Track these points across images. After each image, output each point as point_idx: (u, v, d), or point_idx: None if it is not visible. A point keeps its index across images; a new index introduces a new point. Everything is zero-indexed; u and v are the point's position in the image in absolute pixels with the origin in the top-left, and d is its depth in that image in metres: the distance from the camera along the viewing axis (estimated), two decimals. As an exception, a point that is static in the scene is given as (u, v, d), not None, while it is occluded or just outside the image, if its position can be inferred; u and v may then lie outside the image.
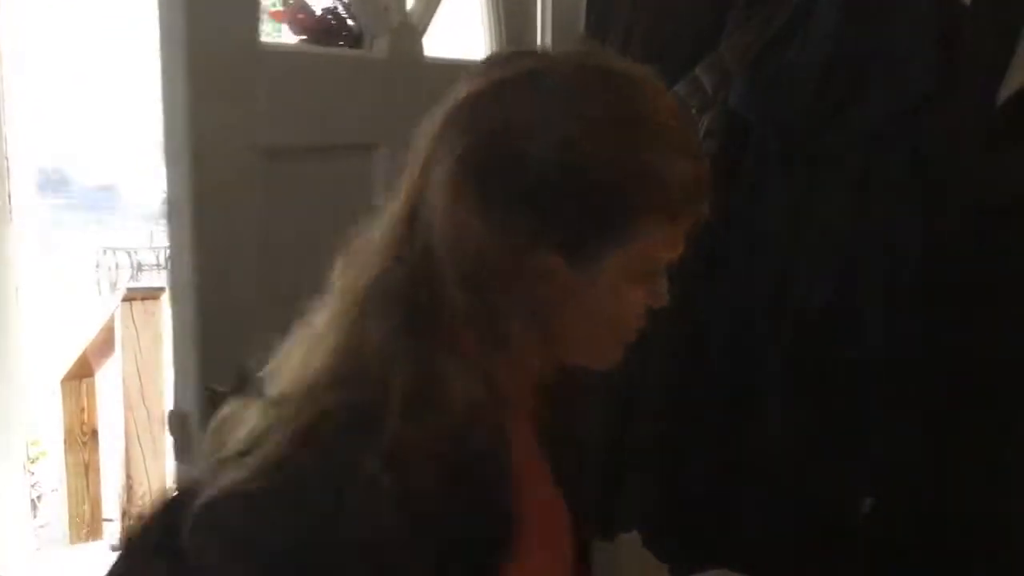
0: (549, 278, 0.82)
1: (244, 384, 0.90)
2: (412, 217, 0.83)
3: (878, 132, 1.38)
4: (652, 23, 1.93)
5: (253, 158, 1.43)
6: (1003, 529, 1.20)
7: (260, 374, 0.88)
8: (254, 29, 1.42)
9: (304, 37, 1.69)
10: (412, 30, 1.72)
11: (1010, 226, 1.27)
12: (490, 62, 0.87)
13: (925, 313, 1.33)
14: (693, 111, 1.59)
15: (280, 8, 1.77)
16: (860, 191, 1.40)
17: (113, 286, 5.90)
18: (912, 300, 1.34)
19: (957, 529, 1.27)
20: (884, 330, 1.37)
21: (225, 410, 0.88)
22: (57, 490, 3.90)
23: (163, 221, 1.77)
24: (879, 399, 1.37)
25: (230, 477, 0.78)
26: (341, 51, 1.71)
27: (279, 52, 1.54)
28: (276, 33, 1.86)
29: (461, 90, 0.83)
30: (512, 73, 0.83)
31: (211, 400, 1.26)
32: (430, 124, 0.84)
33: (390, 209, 0.86)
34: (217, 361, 1.36)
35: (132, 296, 4.03)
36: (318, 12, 1.69)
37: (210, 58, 1.36)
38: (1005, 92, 1.27)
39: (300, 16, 1.68)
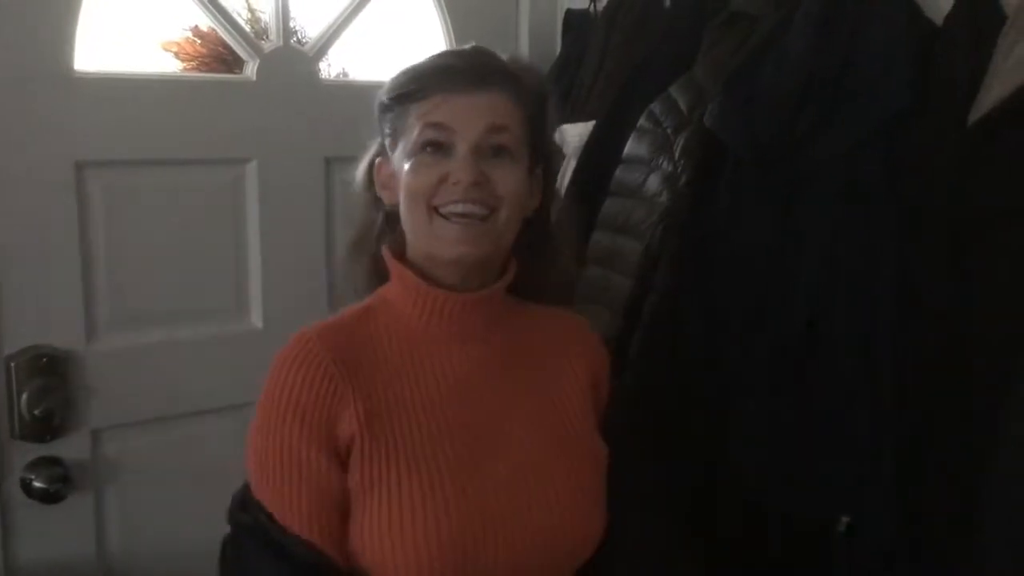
0: (380, 173, 1.23)
1: None
2: None
3: (854, 150, 1.39)
4: (628, 42, 1.94)
5: (68, 173, 1.70)
6: (981, 551, 1.19)
7: None
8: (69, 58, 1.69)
9: (193, 64, 2.05)
10: (297, 55, 1.96)
11: (984, 242, 1.27)
12: None
13: (903, 330, 1.33)
14: (668, 131, 1.60)
15: (175, 40, 2.07)
16: (836, 208, 1.40)
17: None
18: (890, 317, 1.34)
19: (933, 551, 1.27)
20: (861, 347, 1.36)
21: None
22: None
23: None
24: (857, 416, 1.37)
25: None
26: (204, 75, 2.03)
27: (94, 78, 1.75)
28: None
29: None
30: None
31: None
32: None
33: None
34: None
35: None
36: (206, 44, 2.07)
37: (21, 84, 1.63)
38: (976, 113, 1.27)
39: (187, 48, 2.06)
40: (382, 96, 1.20)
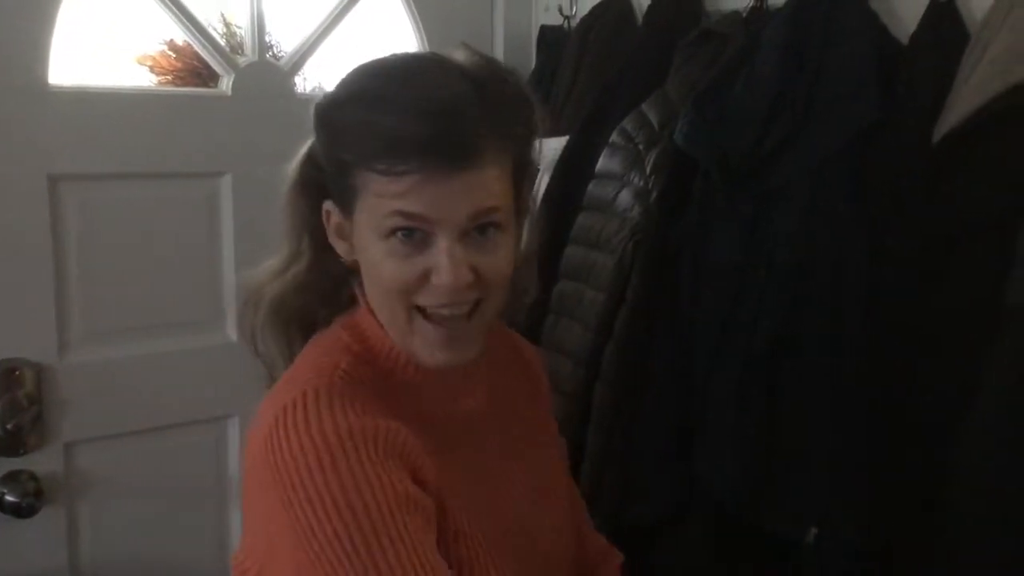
0: (330, 221, 1.02)
1: None
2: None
3: (822, 166, 1.41)
4: (600, 58, 1.97)
5: (42, 186, 1.69)
6: (946, 560, 1.21)
7: None
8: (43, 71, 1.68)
9: (168, 78, 2.03)
10: (273, 70, 1.95)
11: (951, 257, 1.29)
12: None
13: (870, 344, 1.35)
14: (640, 147, 1.61)
15: (150, 54, 2.05)
16: (806, 224, 1.42)
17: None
18: (857, 331, 1.36)
19: (901, 560, 1.28)
20: (828, 361, 1.38)
21: None
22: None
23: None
24: (825, 428, 1.38)
25: None
26: (179, 90, 2.02)
27: (69, 92, 1.74)
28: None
29: None
30: None
31: None
32: None
33: None
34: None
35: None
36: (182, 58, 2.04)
37: None
38: (941, 130, 1.30)
39: (162, 62, 2.04)
40: (340, 151, 0.97)
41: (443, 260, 0.92)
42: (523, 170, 1.02)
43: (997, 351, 1.18)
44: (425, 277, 0.94)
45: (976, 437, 1.18)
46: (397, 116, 0.91)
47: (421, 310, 0.97)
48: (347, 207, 0.98)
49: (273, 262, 1.08)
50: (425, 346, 0.98)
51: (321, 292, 1.08)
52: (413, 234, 0.93)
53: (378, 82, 0.97)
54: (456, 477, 1.00)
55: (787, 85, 1.43)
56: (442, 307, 0.96)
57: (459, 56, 0.98)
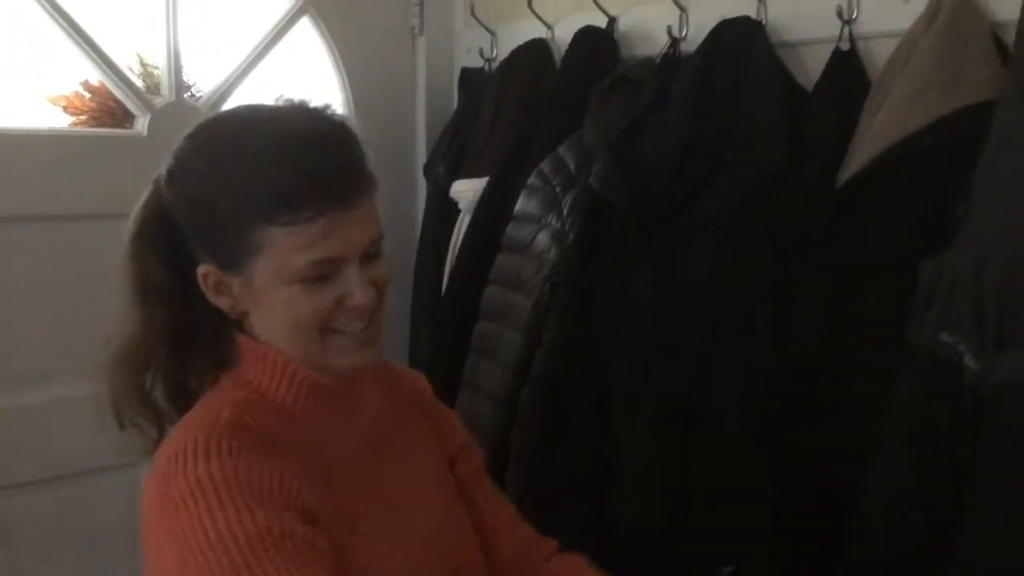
0: (208, 281, 1.02)
1: None
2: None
3: (731, 211, 1.44)
4: (520, 101, 1.99)
5: None
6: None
7: None
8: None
9: (83, 118, 2.00)
10: (190, 110, 1.94)
11: (854, 299, 1.33)
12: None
13: (782, 384, 1.38)
14: (557, 189, 1.64)
15: (64, 95, 2.01)
16: (718, 266, 1.44)
17: None
18: (769, 372, 1.39)
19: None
20: (741, 400, 1.41)
21: None
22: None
23: None
24: (738, 466, 1.41)
25: None
26: (93, 131, 2.00)
27: None
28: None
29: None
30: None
31: None
32: None
33: None
34: None
35: None
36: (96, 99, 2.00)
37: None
38: (844, 175, 1.34)
39: (76, 103, 2.00)
40: (219, 211, 0.97)
41: (355, 287, 0.98)
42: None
43: (896, 390, 1.21)
44: (339, 303, 0.99)
45: (877, 477, 1.22)
46: (286, 167, 0.94)
47: (335, 330, 1.01)
48: (236, 265, 0.99)
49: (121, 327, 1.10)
50: (341, 356, 1.02)
51: (180, 346, 1.08)
52: (325, 274, 0.98)
53: (248, 134, 0.99)
54: (358, 500, 1.04)
55: (697, 131, 1.46)
56: (357, 323, 1.01)
57: (281, 102, 1.02)
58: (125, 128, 1.91)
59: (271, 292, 0.98)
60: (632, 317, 1.53)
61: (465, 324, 1.79)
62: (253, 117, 1.02)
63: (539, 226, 1.66)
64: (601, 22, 1.85)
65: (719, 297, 1.44)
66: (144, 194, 1.06)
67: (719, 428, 1.42)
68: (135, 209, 1.07)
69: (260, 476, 0.94)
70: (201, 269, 1.01)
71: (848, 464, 1.27)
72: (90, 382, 1.55)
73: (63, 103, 1.95)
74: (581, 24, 1.87)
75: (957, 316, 1.16)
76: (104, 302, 1.86)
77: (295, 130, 0.97)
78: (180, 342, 1.08)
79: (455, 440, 1.25)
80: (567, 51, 1.88)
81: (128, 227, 1.06)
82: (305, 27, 2.12)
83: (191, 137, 1.02)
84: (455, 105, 2.28)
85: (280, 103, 1.02)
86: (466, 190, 1.95)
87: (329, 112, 1.02)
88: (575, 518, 1.52)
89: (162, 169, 1.03)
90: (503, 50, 2.12)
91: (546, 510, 1.55)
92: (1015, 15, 1.20)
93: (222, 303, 1.03)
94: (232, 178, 0.96)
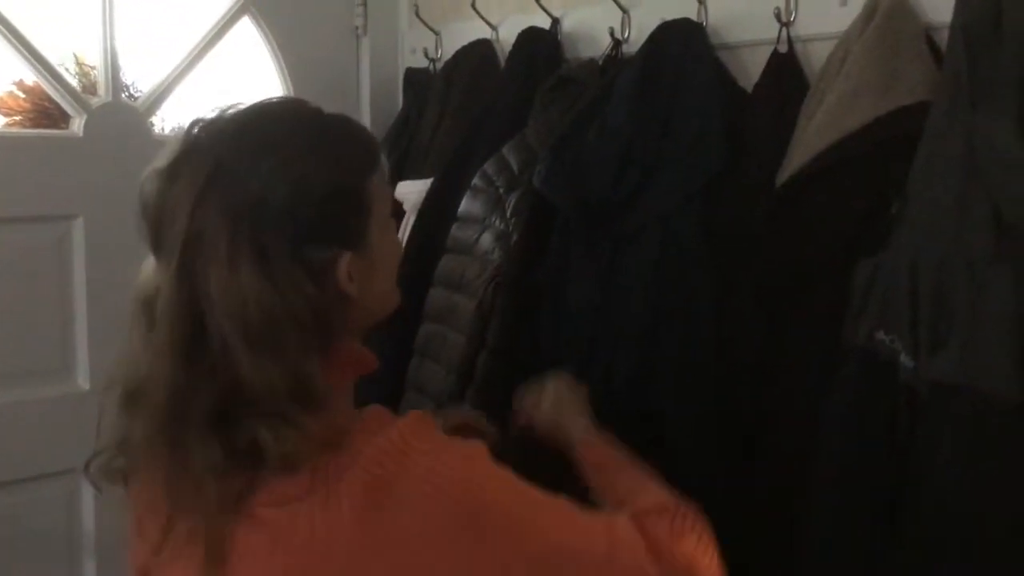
0: (342, 269, 0.93)
1: None
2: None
3: (672, 211, 1.44)
4: (465, 101, 1.98)
5: None
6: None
7: None
8: None
9: (16, 119, 2.00)
10: (128, 110, 1.91)
11: (793, 298, 1.34)
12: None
13: (723, 384, 1.38)
14: (500, 190, 1.63)
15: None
16: (659, 266, 1.45)
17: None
18: (706, 373, 1.39)
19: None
20: (683, 401, 1.41)
21: None
22: None
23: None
24: (681, 464, 1.41)
25: None
26: (27, 131, 1.97)
27: None
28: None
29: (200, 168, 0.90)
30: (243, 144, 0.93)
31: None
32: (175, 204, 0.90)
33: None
34: None
35: None
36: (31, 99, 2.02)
37: None
38: (782, 176, 1.35)
39: (10, 103, 2.02)
40: (337, 183, 0.94)
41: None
42: None
43: (833, 388, 1.22)
44: None
45: (817, 474, 1.23)
46: (351, 124, 1.02)
47: None
48: (360, 236, 0.97)
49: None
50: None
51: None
52: None
53: (297, 118, 1.00)
54: None
55: (638, 133, 1.46)
56: None
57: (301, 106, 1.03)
58: (61, 128, 1.88)
59: (381, 247, 0.99)
60: (575, 318, 1.53)
61: (410, 325, 1.78)
62: (280, 109, 1.01)
63: (483, 227, 1.65)
64: (545, 23, 1.85)
65: (660, 298, 1.44)
66: (224, 235, 0.88)
67: (661, 430, 1.42)
68: (223, 250, 0.88)
69: None
70: (341, 264, 0.94)
71: (791, 462, 1.28)
72: (26, 386, 1.44)
73: (-4, 103, 1.92)
74: (525, 25, 1.87)
75: (892, 315, 1.17)
76: (40, 305, 1.84)
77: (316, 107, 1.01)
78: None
79: None
80: (511, 52, 1.88)
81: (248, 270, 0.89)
82: (246, 27, 2.09)
83: (247, 136, 0.94)
84: (400, 106, 2.27)
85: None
86: (411, 191, 1.94)
87: None
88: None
89: (233, 199, 0.89)
90: (448, 50, 2.12)
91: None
92: (948, 17, 1.22)
93: (351, 289, 0.95)
94: (330, 154, 0.95)
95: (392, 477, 0.88)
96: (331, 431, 0.89)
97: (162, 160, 0.93)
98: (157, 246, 0.92)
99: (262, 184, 0.89)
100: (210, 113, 0.95)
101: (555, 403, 1.31)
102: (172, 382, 0.88)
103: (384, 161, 1.02)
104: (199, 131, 0.94)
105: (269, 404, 0.87)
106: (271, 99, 1.01)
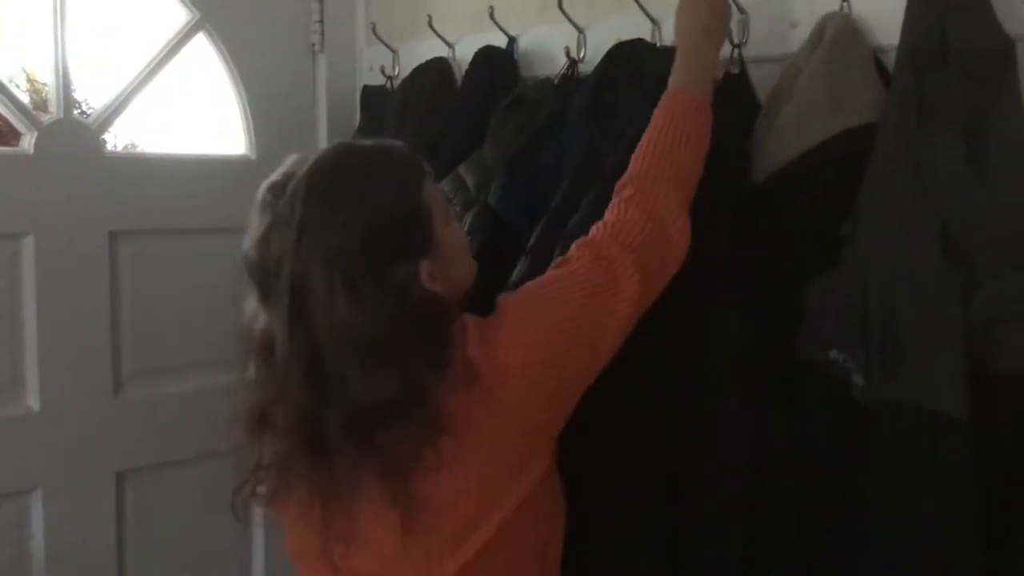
0: (423, 275, 1.11)
1: None
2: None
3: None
4: (422, 119, 1.98)
5: None
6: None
7: None
8: None
9: None
10: (80, 127, 1.89)
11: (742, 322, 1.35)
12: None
13: (681, 398, 1.39)
14: (457, 208, 1.63)
15: None
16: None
17: None
18: (670, 384, 1.40)
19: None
20: (642, 412, 1.41)
21: None
22: None
23: None
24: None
25: None
26: None
27: None
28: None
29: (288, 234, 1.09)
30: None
31: None
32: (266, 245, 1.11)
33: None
34: None
35: None
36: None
37: None
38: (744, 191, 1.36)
39: None
40: (398, 209, 1.13)
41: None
42: None
43: (787, 408, 1.24)
44: None
45: (768, 489, 1.24)
46: (394, 146, 1.21)
47: None
48: (429, 240, 1.13)
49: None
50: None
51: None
52: None
53: (354, 152, 1.19)
54: None
55: (592, 152, 1.47)
56: None
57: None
58: (11, 146, 1.85)
59: (447, 239, 1.16)
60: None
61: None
62: (335, 164, 1.15)
63: (439, 245, 1.65)
64: (501, 42, 1.86)
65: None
66: (320, 280, 1.07)
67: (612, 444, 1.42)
68: (322, 292, 1.08)
69: None
70: (421, 272, 1.11)
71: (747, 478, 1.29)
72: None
73: (-57, 120, 1.88)
74: (482, 43, 1.87)
75: (843, 333, 1.19)
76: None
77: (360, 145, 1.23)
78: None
79: None
80: (468, 70, 1.88)
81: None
82: (201, 43, 2.08)
83: (317, 196, 1.10)
84: (357, 123, 2.26)
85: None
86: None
87: None
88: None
89: (320, 252, 1.08)
90: (405, 68, 2.12)
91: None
92: (896, 40, 1.24)
93: (435, 287, 1.13)
94: (386, 187, 1.13)
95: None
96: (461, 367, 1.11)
97: (255, 230, 1.12)
98: (264, 296, 1.11)
99: (339, 234, 1.07)
100: (277, 178, 1.14)
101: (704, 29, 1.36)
102: (300, 407, 1.08)
103: (427, 165, 1.19)
104: (274, 197, 1.12)
105: (384, 410, 1.05)
106: (325, 153, 1.16)
